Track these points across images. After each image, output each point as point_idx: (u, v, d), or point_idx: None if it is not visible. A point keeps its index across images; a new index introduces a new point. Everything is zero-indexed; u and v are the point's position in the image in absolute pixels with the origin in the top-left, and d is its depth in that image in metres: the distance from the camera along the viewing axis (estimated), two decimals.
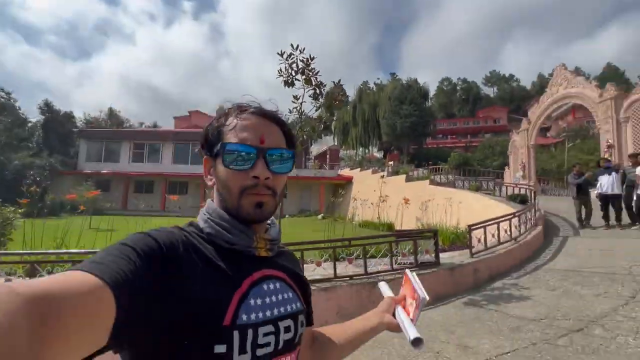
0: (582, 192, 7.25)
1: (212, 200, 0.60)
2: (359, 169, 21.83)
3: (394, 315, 0.70)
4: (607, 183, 6.94)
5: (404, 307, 0.70)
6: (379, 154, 43.82)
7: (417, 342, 0.61)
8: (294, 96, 5.52)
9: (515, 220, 6.02)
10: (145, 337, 0.42)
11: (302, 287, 0.65)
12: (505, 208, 8.03)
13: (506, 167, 20.50)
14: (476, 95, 73.91)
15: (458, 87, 78.08)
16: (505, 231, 5.77)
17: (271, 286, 0.56)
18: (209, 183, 0.60)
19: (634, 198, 6.66)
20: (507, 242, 5.68)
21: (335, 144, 40.72)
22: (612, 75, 65.80)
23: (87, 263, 0.38)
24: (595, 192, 7.12)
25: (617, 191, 6.82)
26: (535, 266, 5.21)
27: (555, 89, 15.29)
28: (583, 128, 31.68)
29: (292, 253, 0.72)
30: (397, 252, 4.60)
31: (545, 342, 2.74)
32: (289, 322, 0.55)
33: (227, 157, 0.54)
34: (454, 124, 60.25)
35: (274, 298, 0.55)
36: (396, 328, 0.68)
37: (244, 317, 0.49)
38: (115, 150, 24.96)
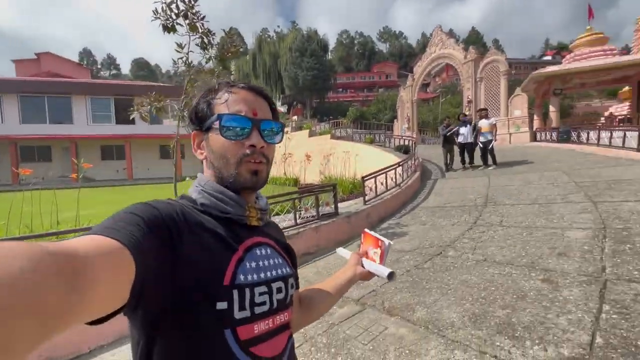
0: (447, 141, 8.78)
1: (202, 174, 0.63)
2: None
3: (362, 266, 0.80)
4: (464, 133, 8.55)
5: (368, 258, 0.81)
6: (283, 108, 43.23)
7: (391, 275, 0.72)
8: (177, 44, 4.80)
9: (399, 169, 6.97)
10: (157, 297, 0.44)
11: (289, 254, 0.71)
12: (393, 158, 9.17)
13: (395, 120, 22.98)
14: (371, 50, 77.76)
15: (356, 41, 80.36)
16: (391, 179, 6.66)
17: (263, 251, 0.60)
18: (200, 157, 0.62)
19: (479, 145, 8.43)
20: (393, 188, 6.58)
21: None
22: (474, 39, 77.70)
23: (102, 228, 0.40)
24: (457, 141, 8.72)
25: (470, 140, 8.51)
26: (413, 206, 6.24)
27: (433, 49, 17.32)
28: (453, 85, 37.23)
29: (277, 224, 0.76)
30: (300, 207, 4.84)
31: (416, 267, 3.42)
32: (280, 284, 0.60)
33: (225, 128, 0.57)
34: (352, 78, 62.90)
35: (266, 262, 0.59)
36: (367, 276, 0.78)
37: (241, 277, 0.53)
38: None
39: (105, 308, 0.35)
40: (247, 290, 0.53)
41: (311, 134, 15.66)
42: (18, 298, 0.23)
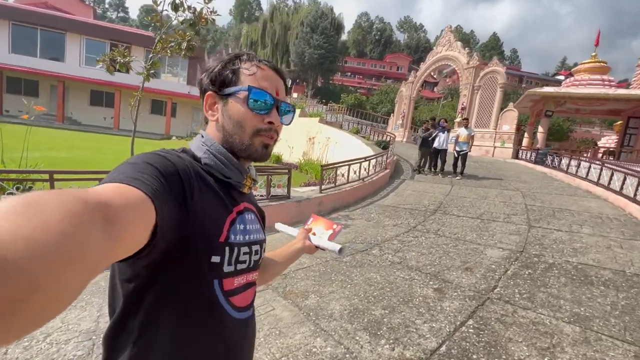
0: (425, 144, 8.86)
1: (206, 132, 0.66)
2: None
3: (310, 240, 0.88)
4: (442, 139, 8.63)
5: (313, 234, 0.88)
6: (289, 83, 42.39)
7: (341, 250, 0.81)
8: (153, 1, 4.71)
9: (365, 164, 7.07)
10: (165, 244, 0.46)
11: (263, 220, 0.78)
12: (369, 152, 9.24)
13: (392, 115, 22.84)
14: (388, 39, 75.79)
15: (374, 27, 78.18)
16: (354, 172, 6.77)
17: (249, 216, 0.66)
18: (212, 118, 0.64)
19: (454, 153, 8.54)
20: (355, 181, 6.70)
21: None
22: (493, 45, 76.21)
23: (127, 178, 0.41)
24: (433, 146, 8.81)
25: (444, 146, 8.60)
26: (370, 202, 6.39)
27: (440, 48, 17.02)
28: (456, 88, 36.80)
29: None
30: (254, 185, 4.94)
31: (335, 259, 3.58)
32: (257, 247, 0.67)
33: (252, 100, 0.61)
34: (363, 64, 61.69)
35: (251, 226, 0.66)
36: (312, 250, 0.87)
37: (232, 237, 0.59)
38: None
39: (128, 252, 0.37)
40: (235, 249, 0.59)
41: (302, 114, 15.56)
42: (66, 251, 0.25)
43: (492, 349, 2.09)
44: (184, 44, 4.82)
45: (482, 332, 2.27)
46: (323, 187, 5.88)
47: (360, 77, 59.14)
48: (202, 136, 0.65)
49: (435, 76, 52.79)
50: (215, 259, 0.56)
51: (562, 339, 2.22)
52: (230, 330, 0.61)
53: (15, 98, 19.20)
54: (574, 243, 4.17)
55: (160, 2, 4.75)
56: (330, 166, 6.08)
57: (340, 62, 38.99)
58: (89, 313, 2.39)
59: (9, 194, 3.29)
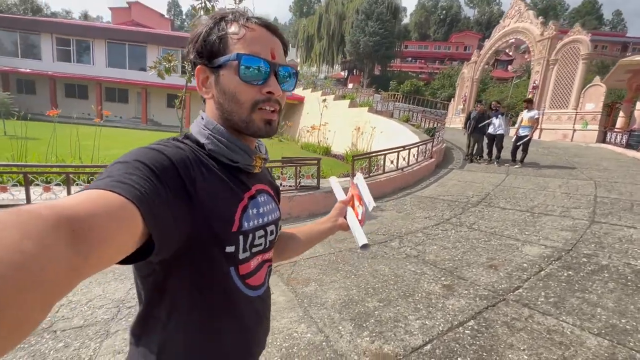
0: (477, 130, 8.04)
1: (205, 113, 0.60)
2: (310, 90, 21.29)
3: (345, 218, 0.79)
4: (496, 124, 7.74)
5: (353, 209, 0.78)
6: (343, 74, 42.17)
7: (365, 247, 0.71)
8: (192, 7, 5.14)
9: (404, 153, 6.73)
10: (170, 243, 0.45)
11: (277, 195, 0.74)
12: (415, 140, 8.75)
13: (452, 99, 21.12)
14: (454, 17, 69.69)
15: (439, 5, 72.55)
16: (392, 161, 6.50)
17: (262, 198, 0.63)
18: (206, 96, 0.58)
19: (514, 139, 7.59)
20: (392, 171, 6.45)
21: (297, 59, 38.12)
22: (587, 9, 64.53)
23: (108, 181, 0.38)
24: (487, 131, 7.95)
25: (500, 131, 7.68)
26: (408, 193, 6.10)
27: (508, 21, 15.07)
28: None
29: (266, 166, 0.76)
30: (279, 176, 5.14)
31: (349, 250, 3.55)
32: (272, 227, 0.65)
33: (243, 69, 0.53)
34: (425, 47, 57.88)
35: (264, 208, 0.63)
36: (347, 227, 0.78)
37: (245, 224, 0.57)
38: (34, 45, 21.49)
39: (111, 262, 0.34)
40: (250, 235, 0.58)
41: (351, 105, 15.38)
42: (22, 273, 0.22)
43: (484, 354, 1.89)
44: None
45: (479, 335, 2.06)
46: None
47: (422, 61, 55.64)
48: (202, 118, 0.59)
49: (511, 53, 46.95)
50: (230, 249, 0.55)
51: (578, 352, 1.89)
52: (247, 309, 0.61)
53: (112, 105, 22.85)
54: None
55: (200, 8, 5.16)
56: (363, 156, 5.95)
57: (399, 48, 37.14)
58: (124, 285, 2.80)
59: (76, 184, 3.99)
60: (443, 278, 2.85)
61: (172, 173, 0.46)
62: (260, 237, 0.60)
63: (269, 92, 0.55)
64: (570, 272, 2.87)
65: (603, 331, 2.06)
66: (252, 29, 0.54)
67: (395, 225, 4.38)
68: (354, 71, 38.00)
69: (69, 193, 3.80)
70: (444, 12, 69.68)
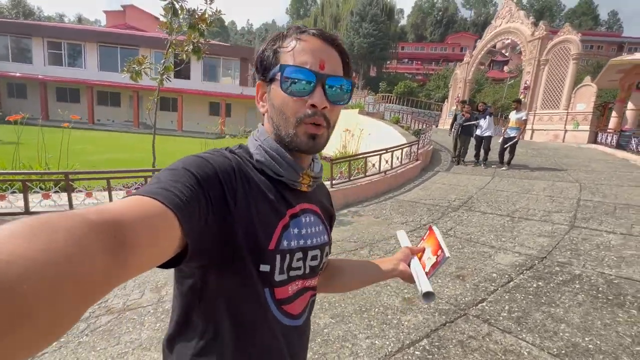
0: (466, 132, 7.90)
1: (263, 126, 0.60)
2: None
3: (409, 265, 0.72)
4: (484, 125, 7.60)
5: (420, 260, 0.72)
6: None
7: (427, 296, 0.63)
8: (163, 8, 5.00)
9: (387, 156, 6.59)
10: (206, 252, 0.46)
11: (330, 220, 0.70)
12: (402, 142, 8.61)
13: (446, 100, 21.02)
14: (450, 18, 69.84)
15: (437, 6, 72.72)
16: (373, 165, 6.36)
17: (307, 219, 0.60)
18: (262, 110, 0.59)
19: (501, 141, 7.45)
20: (375, 174, 6.30)
21: None
22: (583, 9, 64.72)
23: (155, 188, 0.40)
24: (475, 132, 7.81)
25: (487, 133, 7.55)
26: (390, 196, 5.95)
27: (499, 21, 14.96)
28: None
29: (326, 187, 0.73)
30: None
31: None
32: (316, 252, 0.60)
33: (286, 82, 0.52)
34: (421, 48, 57.86)
35: (309, 230, 0.59)
36: (408, 278, 0.71)
37: (285, 243, 0.54)
38: (25, 48, 21.35)
39: (149, 266, 0.35)
40: (288, 256, 0.55)
41: (343, 107, 15.26)
42: (67, 273, 0.24)
43: None
44: (189, 47, 5.02)
45: (429, 357, 1.90)
46: (334, 181, 5.65)
47: (419, 62, 55.59)
48: (258, 130, 0.59)
49: (507, 54, 46.96)
50: (265, 267, 0.52)
51: None
52: (282, 338, 0.57)
53: (104, 109, 22.69)
54: (624, 250, 3.28)
55: (169, 9, 5.01)
56: (342, 160, 5.81)
57: (394, 49, 37.13)
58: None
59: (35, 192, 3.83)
60: (405, 290, 2.69)
61: (214, 183, 0.46)
62: (299, 260, 0.57)
63: (313, 106, 0.52)
64: (540, 283, 2.72)
65: (563, 351, 1.90)
66: (304, 40, 0.53)
67: (369, 231, 4.23)
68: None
69: (70, 198, 3.72)
70: (440, 13, 69.83)
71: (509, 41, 15.71)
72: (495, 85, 32.06)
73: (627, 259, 3.08)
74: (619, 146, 8.95)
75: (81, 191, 4.02)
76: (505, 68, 46.33)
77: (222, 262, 0.49)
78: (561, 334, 2.06)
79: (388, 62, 39.04)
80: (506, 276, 2.87)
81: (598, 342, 1.97)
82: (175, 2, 4.56)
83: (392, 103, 20.85)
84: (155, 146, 6.36)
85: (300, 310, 0.60)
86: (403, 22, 69.08)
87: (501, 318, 2.26)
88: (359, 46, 30.48)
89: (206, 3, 4.90)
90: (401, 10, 66.32)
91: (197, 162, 0.47)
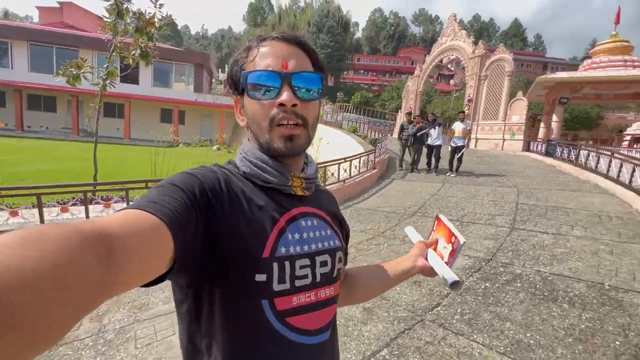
0: (417, 141, 8.36)
1: (248, 140, 0.60)
2: None
3: (427, 259, 0.69)
4: (434, 135, 8.11)
5: (435, 251, 0.69)
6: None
7: (455, 285, 0.61)
8: (107, 9, 4.64)
9: (345, 165, 6.72)
10: (197, 266, 0.46)
11: (340, 226, 0.67)
12: (360, 151, 8.86)
13: (399, 110, 22.14)
14: (402, 33, 74.20)
15: (388, 22, 76.83)
16: (332, 174, 6.44)
17: (309, 223, 0.57)
18: (242, 124, 0.59)
19: (450, 149, 7.99)
20: (333, 184, 6.38)
21: None
22: (514, 32, 72.72)
23: (145, 202, 0.40)
24: (427, 141, 8.29)
25: (437, 142, 8.06)
26: (348, 205, 6.03)
27: (445, 39, 16.21)
28: None
29: (331, 193, 0.72)
30: None
31: None
32: (325, 257, 0.57)
33: (252, 88, 0.52)
34: (376, 60, 60.66)
35: (311, 234, 0.56)
36: (429, 272, 0.68)
37: (283, 250, 0.51)
38: None
39: (140, 281, 0.35)
40: (288, 264, 0.52)
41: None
42: (58, 284, 0.23)
43: None
44: (137, 51, 4.71)
45: None
46: None
47: (374, 74, 58.12)
48: (243, 143, 0.60)
49: (452, 68, 50.98)
50: (260, 277, 0.49)
51: None
52: (289, 356, 0.52)
53: (37, 114, 20.36)
54: (556, 248, 3.66)
55: (114, 9, 4.67)
56: None
57: (351, 61, 38.43)
58: None
59: None
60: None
61: (201, 194, 0.46)
62: (303, 268, 0.54)
63: (281, 104, 0.51)
64: (487, 284, 2.91)
65: (509, 349, 2.04)
66: (265, 46, 0.53)
67: None
68: None
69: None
70: (392, 28, 73.84)
71: (453, 57, 17.03)
72: (443, 97, 34.52)
73: (558, 257, 3.43)
74: (547, 154, 10.08)
75: (3, 209, 3.52)
76: (452, 81, 50.29)
77: (213, 276, 0.48)
78: (506, 332, 2.22)
79: (345, 72, 40.22)
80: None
81: (537, 337, 2.15)
82: (119, 3, 4.26)
83: (350, 112, 21.44)
84: (98, 155, 5.83)
85: (317, 325, 0.55)
86: (358, 34, 71.86)
87: (454, 321, 2.37)
88: None
89: (155, 7, 4.65)
90: (356, 24, 69.00)
91: (183, 177, 0.47)
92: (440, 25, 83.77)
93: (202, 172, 0.50)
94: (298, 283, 0.53)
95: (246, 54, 0.55)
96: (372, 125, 12.74)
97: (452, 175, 7.82)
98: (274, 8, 69.76)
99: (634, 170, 5.52)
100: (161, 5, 4.69)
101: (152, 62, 5.07)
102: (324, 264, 0.57)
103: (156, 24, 4.57)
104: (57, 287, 0.23)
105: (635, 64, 11.93)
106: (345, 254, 0.68)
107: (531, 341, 2.11)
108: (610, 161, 6.30)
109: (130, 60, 5.09)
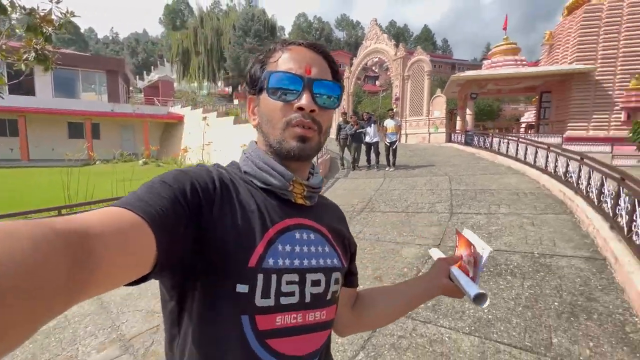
0: (355, 139, 8.64)
1: (255, 142, 0.59)
2: (190, 107, 19.68)
3: (450, 278, 0.63)
4: (371, 132, 8.48)
5: (459, 268, 0.63)
6: (228, 90, 40.98)
7: (479, 298, 0.57)
8: None
9: None
10: (185, 267, 0.44)
11: (344, 244, 0.62)
12: None
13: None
14: (327, 38, 76.76)
15: (313, 26, 78.81)
16: None
17: (304, 236, 0.54)
18: (253, 123, 0.58)
19: (386, 144, 8.43)
20: None
21: (174, 75, 35.10)
22: (425, 37, 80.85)
23: (130, 199, 0.39)
24: (365, 139, 8.63)
25: (375, 139, 8.46)
26: None
27: (369, 42, 17.20)
28: None
29: (339, 208, 0.69)
30: None
31: None
32: (318, 275, 0.53)
33: (272, 88, 0.52)
34: None
35: (305, 248, 0.53)
36: (452, 292, 0.62)
37: (270, 261, 0.48)
38: None
39: (120, 281, 0.34)
40: (274, 277, 0.48)
41: (237, 121, 14.77)
42: (18, 279, 0.22)
43: None
44: (31, 54, 3.93)
45: None
46: None
47: None
48: (248, 144, 0.59)
49: (376, 70, 54.51)
50: (242, 288, 0.46)
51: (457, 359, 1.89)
52: None
53: None
54: (490, 226, 4.06)
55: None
56: None
57: None
58: None
59: None
60: None
61: (191, 192, 0.44)
62: (290, 284, 0.49)
63: (300, 108, 0.51)
64: None
65: (473, 328, 2.16)
66: (289, 50, 0.54)
67: None
68: (239, 87, 37.32)
69: None
70: (318, 32, 75.94)
71: (377, 59, 18.14)
72: (371, 97, 36.62)
73: (493, 234, 3.81)
74: (466, 143, 11.33)
75: None
76: (377, 82, 53.71)
77: (197, 280, 0.46)
78: (467, 312, 2.35)
79: None
80: (415, 268, 3.15)
81: (494, 311, 2.32)
82: None
83: None
84: None
85: (302, 352, 0.51)
86: (280, 38, 72.63)
87: (420, 310, 2.44)
88: (245, 60, 30.28)
89: (51, 1, 3.94)
90: (282, 28, 69.44)
91: (175, 174, 0.46)
92: (362, 29, 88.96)
93: (197, 170, 0.49)
94: (284, 300, 0.49)
95: (269, 55, 0.55)
96: None
97: (391, 169, 8.25)
98: (193, 11, 66.38)
99: (536, 151, 6.47)
100: (58, 0, 4.00)
101: (53, 68, 4.29)
102: (316, 283, 0.52)
103: (54, 22, 3.86)
104: (28, 286, 0.23)
105: (524, 62, 14.15)
106: (353, 274, 0.65)
107: (489, 316, 2.26)
108: (517, 146, 7.31)
109: (22, 66, 4.24)
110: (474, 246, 0.61)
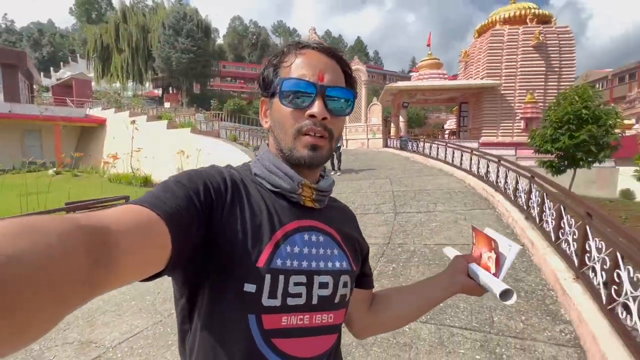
0: None
1: (267, 145, 0.59)
2: (113, 110, 17.70)
3: (469, 276, 0.62)
4: None
5: (480, 264, 0.62)
6: (157, 92, 37.88)
7: (506, 294, 0.53)
8: None
9: None
10: (197, 265, 0.46)
11: (354, 247, 0.61)
12: (245, 159, 8.58)
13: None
14: (264, 42, 76.27)
15: (249, 30, 77.45)
16: None
17: (313, 238, 0.54)
18: (265, 126, 0.58)
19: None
20: None
21: (91, 73, 31.18)
22: (359, 48, 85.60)
23: (146, 198, 0.40)
24: None
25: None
26: None
27: None
28: None
29: (350, 210, 0.69)
30: None
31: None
32: (326, 278, 0.53)
33: (284, 94, 0.52)
34: (243, 68, 60.35)
35: (313, 250, 0.53)
36: (471, 289, 0.62)
37: (279, 261, 0.49)
38: None
39: (137, 276, 0.35)
40: (282, 278, 0.49)
41: (170, 126, 13.72)
42: (50, 274, 0.23)
43: None
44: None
45: None
46: None
47: (242, 81, 57.64)
48: (260, 147, 0.60)
49: None
50: (250, 287, 0.46)
51: (419, 348, 2.04)
52: None
53: None
54: (431, 223, 4.45)
55: None
56: None
57: (216, 67, 36.94)
58: None
59: None
60: None
61: (203, 191, 0.45)
62: (298, 285, 0.50)
63: (312, 116, 0.51)
64: (393, 265, 3.27)
65: (429, 316, 2.35)
66: (303, 54, 0.53)
67: None
68: (170, 89, 34.74)
69: None
70: (254, 37, 74.86)
71: None
72: None
73: (434, 230, 4.19)
74: (401, 148, 12.28)
75: None
76: None
77: (207, 278, 0.47)
78: None
79: (212, 79, 38.34)
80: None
81: None
82: None
83: (225, 121, 20.56)
84: None
85: (308, 354, 0.51)
86: (220, 41, 69.92)
87: None
88: (177, 61, 28.35)
89: None
90: (217, 30, 66.87)
91: (188, 174, 0.47)
92: (298, 37, 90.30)
93: (210, 171, 0.50)
94: (290, 301, 0.49)
95: (281, 58, 0.55)
96: (254, 132, 12.51)
97: (338, 174, 8.51)
98: (113, 4, 60.05)
99: (462, 155, 7.31)
100: None
101: None
102: (323, 285, 0.52)
103: None
104: (49, 278, 0.23)
105: (446, 76, 15.91)
106: (367, 275, 0.65)
107: (441, 304, 2.48)
108: (446, 150, 8.17)
109: None
110: (495, 242, 0.60)
